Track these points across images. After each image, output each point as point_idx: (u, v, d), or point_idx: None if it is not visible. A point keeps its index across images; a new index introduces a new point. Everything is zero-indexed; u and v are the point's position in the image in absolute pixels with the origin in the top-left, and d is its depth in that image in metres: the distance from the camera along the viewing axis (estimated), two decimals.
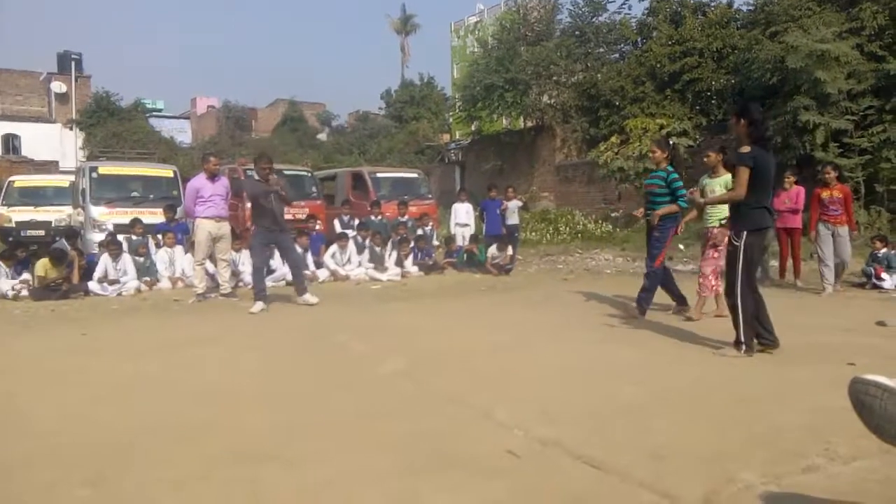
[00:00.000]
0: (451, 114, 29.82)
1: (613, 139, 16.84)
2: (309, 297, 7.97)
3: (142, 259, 9.73)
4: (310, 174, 15.28)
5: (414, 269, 11.18)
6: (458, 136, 29.97)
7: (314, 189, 14.40)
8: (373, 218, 12.24)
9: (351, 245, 11.14)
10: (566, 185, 21.52)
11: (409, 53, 42.76)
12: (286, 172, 14.87)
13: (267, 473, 2.87)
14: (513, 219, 12.26)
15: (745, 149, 4.86)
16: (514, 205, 12.23)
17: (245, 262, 9.97)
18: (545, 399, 3.90)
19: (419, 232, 12.36)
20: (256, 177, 8.21)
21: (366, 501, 2.59)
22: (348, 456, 3.07)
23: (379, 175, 15.79)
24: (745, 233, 4.86)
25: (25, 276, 9.08)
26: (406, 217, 12.63)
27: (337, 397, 4.05)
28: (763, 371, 4.52)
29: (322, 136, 36.58)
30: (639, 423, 3.45)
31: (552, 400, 3.88)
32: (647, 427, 3.38)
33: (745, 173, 4.79)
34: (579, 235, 17.06)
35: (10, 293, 8.74)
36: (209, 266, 8.81)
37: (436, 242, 12.99)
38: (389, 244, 11.22)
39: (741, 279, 4.85)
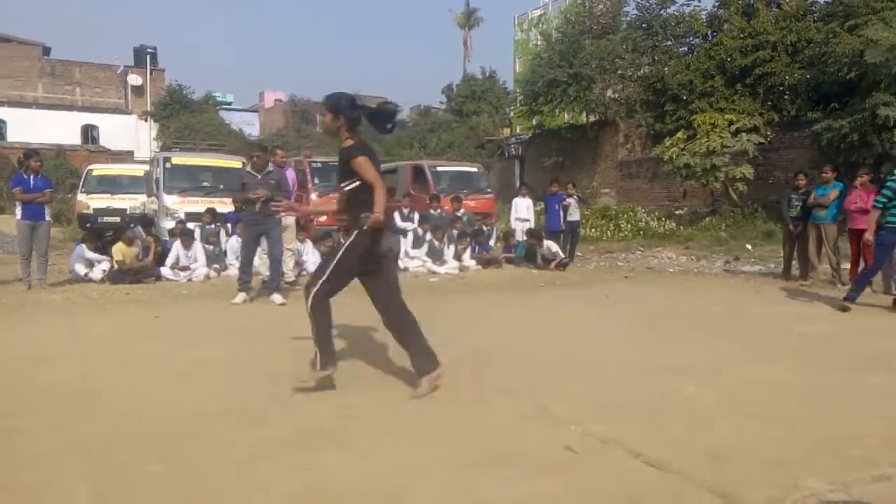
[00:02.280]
0: (512, 108, 29.69)
1: (680, 135, 16.42)
2: (277, 297, 7.55)
3: (211, 247, 10.09)
4: None
5: (472, 263, 11.22)
6: (518, 131, 29.80)
7: None
8: (432, 211, 12.32)
9: (408, 238, 11.28)
10: (628, 181, 21.13)
11: (471, 48, 42.79)
12: None
13: (330, 459, 2.95)
14: (574, 215, 12.14)
15: None
16: (575, 200, 12.13)
17: (308, 251, 10.21)
18: (603, 396, 3.87)
19: (483, 229, 12.35)
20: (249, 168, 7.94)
21: (422, 492, 2.64)
22: (406, 446, 3.13)
23: (439, 168, 15.87)
24: None
25: (105, 261, 9.51)
26: (462, 211, 12.66)
27: (391, 389, 4.12)
28: (838, 376, 4.35)
29: None
30: (701, 422, 3.39)
31: (610, 397, 3.85)
32: (709, 427, 3.31)
33: None
34: (641, 233, 16.73)
35: (91, 274, 9.19)
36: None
37: (493, 237, 12.96)
38: (446, 237, 11.28)
39: None
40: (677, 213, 18.13)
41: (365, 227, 3.76)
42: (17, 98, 32.93)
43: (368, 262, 3.99)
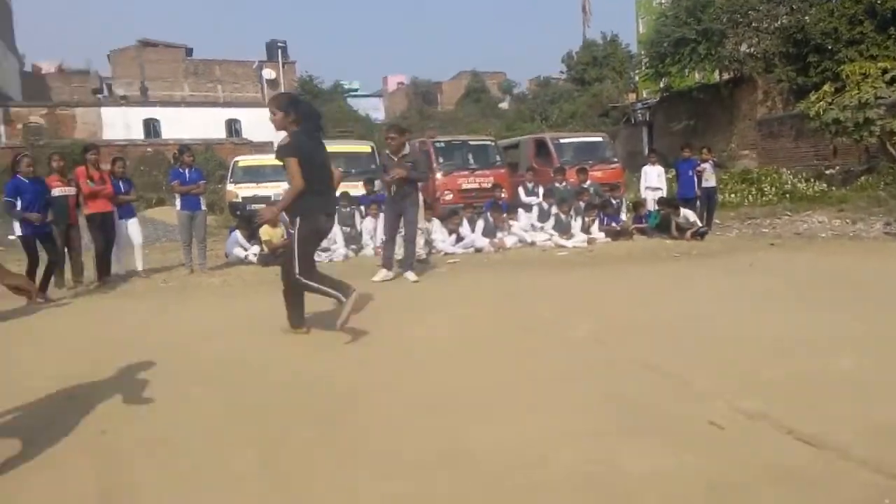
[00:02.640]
0: (636, 72, 28.42)
1: (826, 88, 15.03)
2: (410, 275, 7.66)
3: (348, 229, 10.58)
4: (493, 143, 15.50)
5: (600, 236, 10.99)
6: (644, 96, 28.55)
7: (497, 158, 14.61)
8: (557, 185, 12.16)
9: (533, 213, 11.25)
10: (770, 140, 19.67)
11: (590, 12, 41.24)
12: (471, 143, 15.27)
13: (465, 427, 3.06)
14: (710, 180, 11.54)
15: None
16: (710, 165, 11.52)
17: (436, 230, 10.45)
18: (749, 369, 3.70)
19: (612, 201, 12.01)
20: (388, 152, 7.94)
21: (560, 461, 2.66)
22: (542, 416, 3.17)
23: (562, 140, 15.58)
24: None
25: (255, 246, 10.22)
26: (588, 183, 12.38)
27: (529, 359, 4.16)
28: None
29: (504, 105, 36.81)
30: (860, 397, 3.16)
31: (757, 371, 3.67)
32: (869, 402, 3.08)
33: None
34: (787, 196, 15.57)
35: (246, 255, 9.94)
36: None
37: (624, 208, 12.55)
38: (573, 210, 11.10)
39: None
40: (827, 172, 16.68)
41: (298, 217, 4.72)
42: (167, 98, 35.98)
43: (320, 235, 5.05)
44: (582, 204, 11.30)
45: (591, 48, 34.26)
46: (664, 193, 12.51)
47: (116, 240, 8.75)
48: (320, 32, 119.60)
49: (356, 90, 42.06)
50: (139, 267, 9.08)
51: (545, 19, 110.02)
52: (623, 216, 11.97)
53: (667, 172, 13.39)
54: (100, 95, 36.11)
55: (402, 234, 7.79)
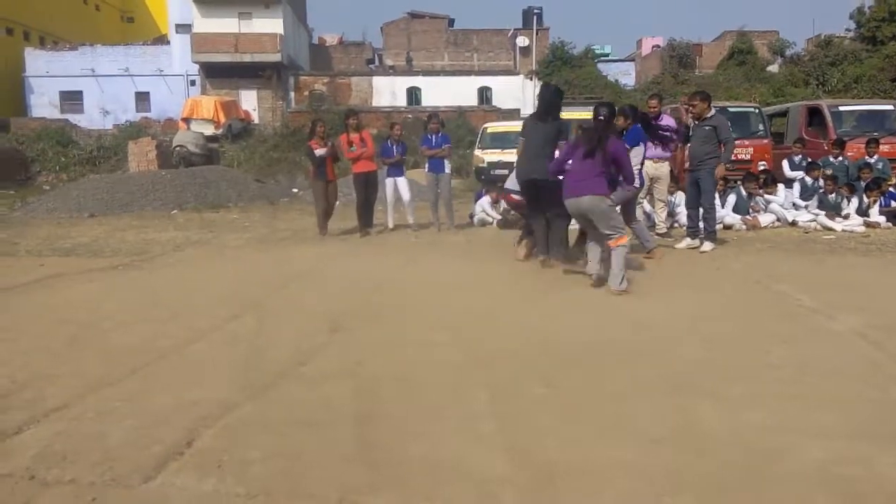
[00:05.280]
0: None
1: None
2: (707, 245, 7.54)
3: None
4: (756, 110, 14.12)
5: (881, 220, 9.53)
6: None
7: (761, 127, 13.30)
8: (831, 159, 10.75)
9: (795, 188, 10.12)
10: None
11: None
12: (731, 109, 14.04)
13: (700, 407, 2.97)
14: None
15: None
16: None
17: (681, 202, 9.92)
18: None
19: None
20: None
21: (804, 455, 2.49)
22: (785, 406, 2.96)
23: (842, 108, 13.63)
24: None
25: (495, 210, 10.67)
26: (875, 157, 10.73)
27: (781, 348, 3.86)
28: None
29: (773, 68, 33.13)
30: None
31: None
32: None
33: None
34: None
35: (490, 219, 10.46)
36: (646, 206, 9.01)
37: None
38: (858, 188, 9.73)
39: None
40: None
41: None
42: (428, 67, 38.43)
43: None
44: (863, 183, 9.86)
45: (889, 1, 29.16)
46: None
47: (387, 196, 9.81)
48: None
49: (607, 55, 40.90)
50: (409, 221, 9.99)
51: None
52: None
53: None
54: (372, 66, 39.78)
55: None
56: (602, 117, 5.88)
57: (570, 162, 5.92)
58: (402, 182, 9.91)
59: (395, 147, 9.86)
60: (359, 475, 2.42)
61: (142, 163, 19.82)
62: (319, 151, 9.26)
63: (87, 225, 11.92)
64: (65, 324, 4.64)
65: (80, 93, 33.25)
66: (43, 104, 32.68)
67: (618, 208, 6.16)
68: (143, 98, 33.59)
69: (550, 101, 6.91)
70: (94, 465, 2.51)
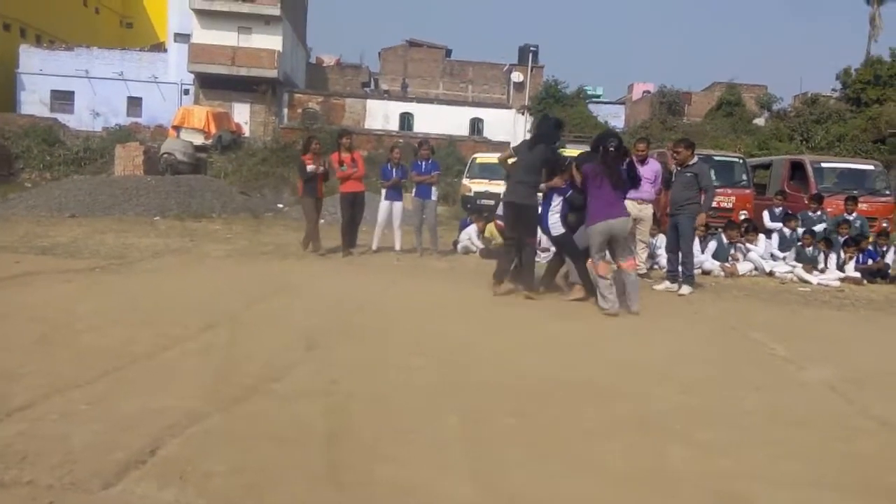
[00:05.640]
0: None
1: None
2: (685, 289, 7.67)
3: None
4: (741, 161, 14.40)
5: (856, 275, 9.70)
6: None
7: (744, 177, 13.55)
8: (810, 213, 10.96)
9: (774, 239, 10.30)
10: None
11: (880, 26, 36.28)
12: (716, 158, 14.31)
13: (671, 450, 2.98)
14: None
15: None
16: None
17: (661, 245, 10.03)
18: None
19: (869, 235, 10.50)
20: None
21: (774, 503, 2.50)
22: (754, 454, 2.97)
23: (824, 165, 13.95)
24: None
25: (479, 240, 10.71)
26: (854, 215, 10.95)
27: (748, 394, 3.90)
28: None
29: (759, 121, 33.88)
30: None
31: None
32: None
33: None
34: None
35: (473, 247, 10.48)
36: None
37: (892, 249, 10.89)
38: (835, 242, 9.90)
39: None
40: None
41: None
42: (423, 94, 38.79)
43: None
44: (841, 238, 10.05)
45: (875, 65, 30.11)
46: None
47: (379, 218, 9.84)
48: (571, 38, 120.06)
49: (599, 96, 41.62)
50: (396, 245, 9.91)
51: (820, 31, 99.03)
52: (890, 258, 10.35)
53: None
54: (367, 89, 40.07)
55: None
56: (613, 148, 6.27)
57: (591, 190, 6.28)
58: (398, 206, 9.95)
59: (394, 170, 9.91)
60: (324, 495, 2.39)
61: (128, 167, 19.66)
62: (311, 167, 9.25)
63: (67, 225, 11.78)
64: (36, 322, 4.56)
65: (72, 93, 33.14)
66: (33, 102, 32.47)
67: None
68: (135, 103, 33.53)
69: (546, 131, 7.07)
70: (54, 467, 2.45)
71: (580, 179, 6.50)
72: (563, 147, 7.42)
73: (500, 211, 7.88)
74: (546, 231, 7.00)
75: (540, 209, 6.92)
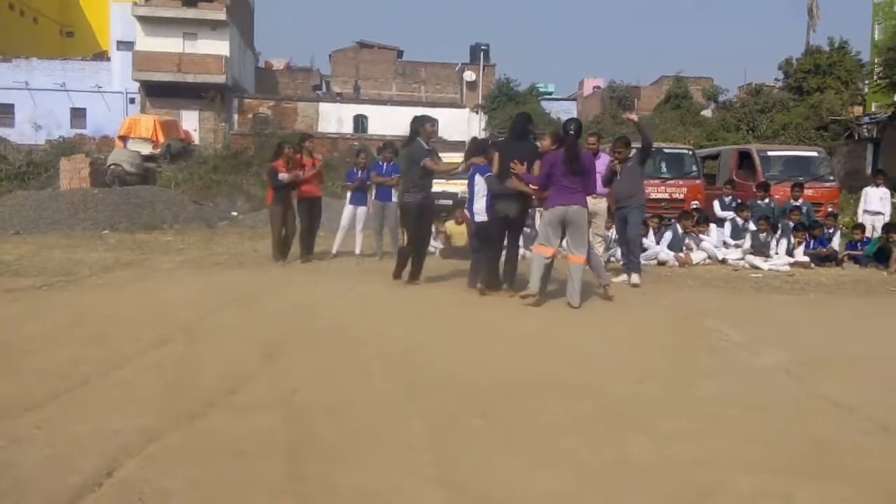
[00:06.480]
0: (867, 83, 25.42)
1: None
2: (635, 277, 7.73)
3: (528, 230, 10.67)
4: (690, 152, 14.73)
5: (805, 260, 10.01)
6: (874, 109, 25.43)
7: (694, 168, 13.87)
8: (758, 201, 11.27)
9: (726, 228, 10.59)
10: None
11: (818, 16, 37.52)
12: (666, 150, 14.61)
13: (634, 441, 3.01)
14: None
15: None
16: None
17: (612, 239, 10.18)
18: None
19: (817, 220, 10.84)
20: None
21: (734, 489, 2.55)
22: (714, 441, 3.03)
23: (770, 153, 14.39)
24: None
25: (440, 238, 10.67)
26: (800, 201, 11.30)
27: (705, 382, 3.98)
28: None
29: (706, 113, 34.72)
30: None
31: None
32: None
33: None
34: None
35: (432, 248, 10.43)
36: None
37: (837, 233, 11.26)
38: (780, 228, 10.21)
39: None
40: None
41: None
42: (376, 96, 38.60)
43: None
44: (791, 223, 10.35)
45: (815, 55, 31.13)
46: (887, 218, 11.12)
47: (342, 221, 9.88)
48: (522, 36, 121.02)
49: (551, 93, 42.06)
50: (356, 249, 9.88)
51: (762, 22, 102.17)
52: (836, 242, 10.71)
53: (894, 196, 11.87)
54: (318, 92, 39.64)
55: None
56: (571, 132, 6.32)
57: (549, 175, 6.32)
58: (361, 211, 9.90)
59: (359, 173, 9.81)
60: None
61: (73, 180, 19.07)
62: (283, 176, 8.94)
63: (11, 242, 11.36)
64: None
65: (12, 106, 31.97)
66: None
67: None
68: (78, 114, 32.51)
69: (523, 128, 7.06)
70: (4, 495, 2.35)
71: (498, 163, 6.61)
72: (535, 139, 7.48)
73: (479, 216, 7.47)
74: (469, 214, 7.06)
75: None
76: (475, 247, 7.16)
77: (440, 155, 8.21)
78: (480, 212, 6.93)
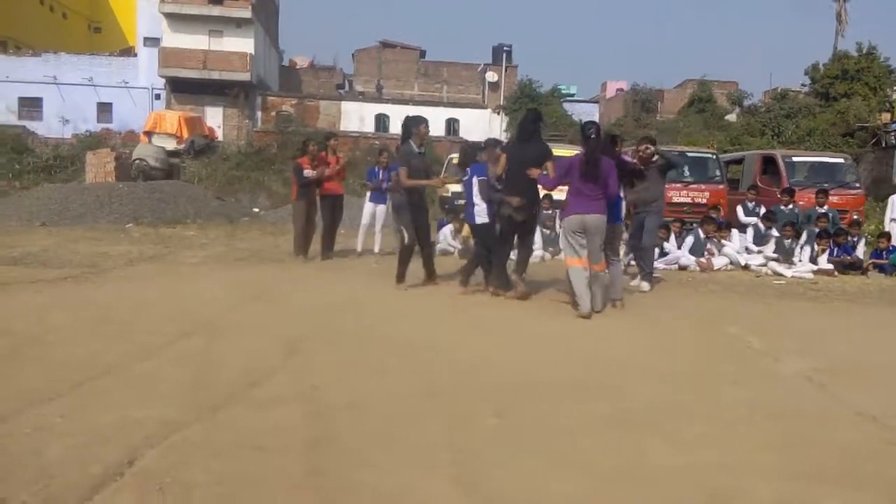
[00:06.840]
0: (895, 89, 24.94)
1: None
2: (644, 285, 7.63)
3: (548, 231, 10.66)
4: (714, 156, 14.58)
5: (829, 268, 9.86)
6: None
7: (717, 172, 13.72)
8: (783, 207, 11.12)
9: (749, 234, 10.47)
10: None
11: (846, 21, 36.95)
12: (689, 154, 14.47)
13: (653, 445, 2.99)
14: None
15: None
16: None
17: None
18: None
19: (843, 228, 10.68)
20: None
21: (756, 495, 2.53)
22: (734, 447, 3.00)
23: (795, 159, 14.20)
24: None
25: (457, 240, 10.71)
26: (826, 208, 11.13)
27: (725, 388, 3.94)
28: None
29: (731, 117, 34.33)
30: None
31: None
32: None
33: None
34: None
35: (450, 248, 10.49)
36: None
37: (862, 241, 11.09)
38: (804, 236, 10.07)
39: None
40: None
41: None
42: (398, 96, 38.70)
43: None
44: (816, 230, 10.19)
45: (843, 61, 30.66)
46: None
47: (363, 220, 9.90)
48: (545, 38, 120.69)
49: (573, 95, 41.86)
50: (375, 248, 9.93)
51: (789, 27, 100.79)
52: (860, 250, 10.54)
53: None
54: (341, 91, 39.84)
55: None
56: (592, 136, 6.02)
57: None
58: (381, 209, 9.91)
59: (381, 172, 9.85)
60: (306, 503, 2.36)
61: (99, 174, 19.33)
62: (308, 173, 8.98)
63: (37, 234, 11.55)
64: (5, 335, 4.46)
65: (40, 100, 32.49)
66: (0, 110, 31.78)
67: None
68: (105, 109, 32.97)
69: (534, 126, 6.82)
70: (28, 483, 2.39)
71: (504, 167, 6.50)
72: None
73: (480, 217, 7.38)
74: (469, 218, 6.97)
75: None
76: (478, 250, 7.01)
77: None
78: (481, 213, 6.75)
